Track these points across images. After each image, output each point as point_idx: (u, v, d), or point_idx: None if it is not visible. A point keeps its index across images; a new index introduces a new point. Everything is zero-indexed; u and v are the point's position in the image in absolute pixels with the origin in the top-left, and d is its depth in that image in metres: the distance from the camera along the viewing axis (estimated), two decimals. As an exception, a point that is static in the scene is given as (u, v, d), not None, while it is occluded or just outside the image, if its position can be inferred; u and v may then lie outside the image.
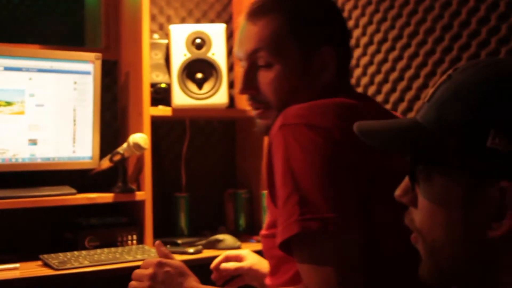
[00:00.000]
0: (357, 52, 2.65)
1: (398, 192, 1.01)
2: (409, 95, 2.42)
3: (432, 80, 2.38)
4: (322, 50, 1.56)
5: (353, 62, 2.66)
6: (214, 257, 1.98)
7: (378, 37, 2.55)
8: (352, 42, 2.66)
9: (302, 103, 1.41)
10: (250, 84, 1.59)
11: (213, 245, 2.68)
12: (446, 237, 0.93)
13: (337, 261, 1.29)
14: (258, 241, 2.85)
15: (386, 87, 2.52)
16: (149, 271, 1.59)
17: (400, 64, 2.46)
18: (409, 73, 2.42)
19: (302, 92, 1.54)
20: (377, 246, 1.38)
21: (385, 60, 2.52)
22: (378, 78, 2.55)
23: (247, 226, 3.10)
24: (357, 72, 2.64)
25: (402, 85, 2.46)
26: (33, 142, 2.59)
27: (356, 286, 1.31)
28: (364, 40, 2.61)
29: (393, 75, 2.49)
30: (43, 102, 2.61)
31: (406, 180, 0.99)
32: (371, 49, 2.58)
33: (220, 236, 2.72)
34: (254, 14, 1.58)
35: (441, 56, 2.29)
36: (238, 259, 1.94)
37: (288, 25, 1.55)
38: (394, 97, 2.49)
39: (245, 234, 3.00)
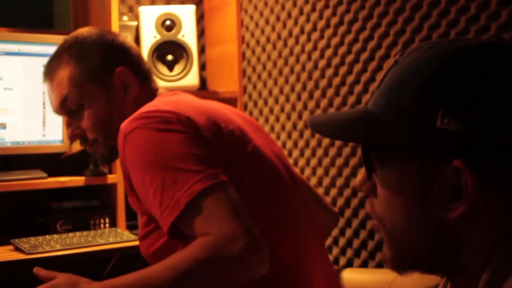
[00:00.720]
0: (327, 33, 2.65)
1: (357, 182, 1.01)
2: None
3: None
4: (116, 72, 1.74)
5: (324, 42, 2.66)
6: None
7: (348, 17, 2.55)
8: (322, 23, 2.66)
9: (132, 116, 1.56)
10: (74, 130, 1.77)
11: (186, 227, 2.67)
12: (406, 223, 0.92)
13: (231, 207, 1.40)
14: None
15: (357, 67, 2.52)
16: None
17: (371, 44, 2.46)
18: (379, 53, 2.43)
19: (118, 115, 1.71)
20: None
21: (355, 40, 2.53)
22: (349, 58, 2.56)
23: (220, 208, 3.09)
24: (328, 52, 2.64)
25: (372, 65, 2.46)
26: (2, 126, 2.57)
27: (252, 224, 1.40)
28: (334, 20, 2.61)
29: (364, 55, 2.49)
30: (12, 85, 2.58)
31: (363, 169, 0.99)
32: (342, 29, 2.59)
33: (192, 218, 2.71)
34: (48, 73, 1.78)
35: (411, 36, 2.30)
36: None
37: (77, 67, 1.74)
38: (365, 77, 2.50)
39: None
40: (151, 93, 1.79)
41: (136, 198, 1.55)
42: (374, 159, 0.95)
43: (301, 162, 2.76)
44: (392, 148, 0.92)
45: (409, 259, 0.95)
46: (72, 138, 1.78)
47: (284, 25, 2.87)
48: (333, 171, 2.62)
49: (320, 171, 2.67)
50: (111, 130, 1.69)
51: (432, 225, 0.90)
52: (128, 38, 2.82)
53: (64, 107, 1.75)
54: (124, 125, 1.54)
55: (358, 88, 2.52)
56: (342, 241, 2.59)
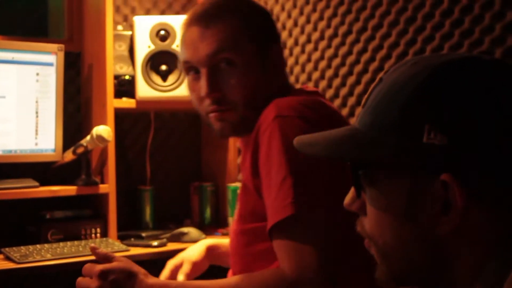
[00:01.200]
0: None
1: (346, 201, 1.00)
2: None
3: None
4: (273, 49, 1.67)
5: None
6: (179, 250, 1.97)
7: (342, 30, 2.55)
8: (317, 34, 2.66)
9: (291, 97, 1.54)
10: (215, 87, 1.62)
11: (178, 238, 2.67)
12: (397, 239, 0.92)
13: (321, 244, 1.39)
14: (224, 234, 2.84)
15: (350, 79, 2.52)
16: (95, 284, 1.46)
17: (365, 57, 2.46)
18: (373, 66, 2.43)
19: (265, 89, 1.62)
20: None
21: (349, 52, 2.53)
22: (343, 71, 2.56)
23: (213, 219, 3.08)
24: (322, 64, 2.64)
25: (366, 77, 2.46)
26: (-5, 134, 2.56)
27: (334, 267, 1.40)
28: (329, 32, 2.61)
29: (358, 67, 2.49)
30: (5, 93, 2.57)
31: (352, 188, 0.99)
32: (336, 41, 2.59)
33: (184, 229, 2.71)
34: (206, 19, 1.63)
35: (405, 49, 2.30)
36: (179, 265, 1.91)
37: (243, 26, 1.63)
38: (358, 89, 2.50)
39: (210, 227, 2.98)
40: (288, 82, 1.75)
41: (258, 180, 1.51)
42: (362, 177, 0.95)
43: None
44: (380, 165, 0.92)
45: (401, 275, 0.95)
46: (209, 95, 1.63)
47: (279, 37, 2.87)
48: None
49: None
50: (254, 100, 1.61)
51: (423, 241, 0.90)
52: (122, 48, 2.83)
53: (214, 60, 1.62)
54: (282, 106, 1.50)
55: (351, 100, 2.52)
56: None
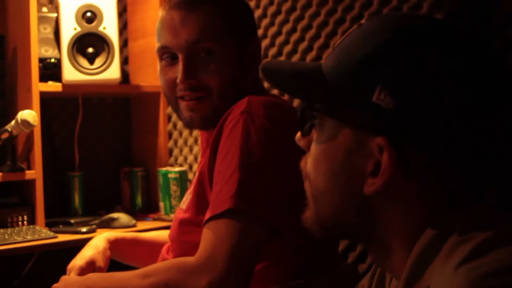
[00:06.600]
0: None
1: (298, 134, 1.01)
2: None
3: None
4: (251, 42, 1.67)
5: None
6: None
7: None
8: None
9: (265, 97, 1.54)
10: (191, 73, 1.61)
11: (108, 224, 2.63)
12: (327, 187, 0.93)
13: (243, 246, 1.36)
14: (155, 219, 2.82)
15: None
16: None
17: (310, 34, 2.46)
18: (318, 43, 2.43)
19: (237, 82, 1.62)
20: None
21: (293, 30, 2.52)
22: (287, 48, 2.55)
23: (144, 205, 3.04)
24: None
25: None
26: None
27: (244, 274, 1.38)
28: (272, 9, 2.60)
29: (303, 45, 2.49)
30: None
31: (308, 124, 0.99)
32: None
33: (114, 215, 2.67)
34: (188, 3, 1.61)
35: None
36: None
37: (225, 16, 1.62)
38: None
39: (141, 213, 2.95)
40: (259, 77, 1.71)
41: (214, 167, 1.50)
42: (316, 116, 0.95)
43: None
44: (331, 111, 0.92)
45: (327, 223, 0.96)
46: (184, 81, 1.61)
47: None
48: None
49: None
50: (228, 91, 1.61)
51: (349, 195, 0.91)
52: (47, 30, 2.76)
53: (194, 47, 1.60)
54: (253, 103, 1.48)
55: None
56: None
